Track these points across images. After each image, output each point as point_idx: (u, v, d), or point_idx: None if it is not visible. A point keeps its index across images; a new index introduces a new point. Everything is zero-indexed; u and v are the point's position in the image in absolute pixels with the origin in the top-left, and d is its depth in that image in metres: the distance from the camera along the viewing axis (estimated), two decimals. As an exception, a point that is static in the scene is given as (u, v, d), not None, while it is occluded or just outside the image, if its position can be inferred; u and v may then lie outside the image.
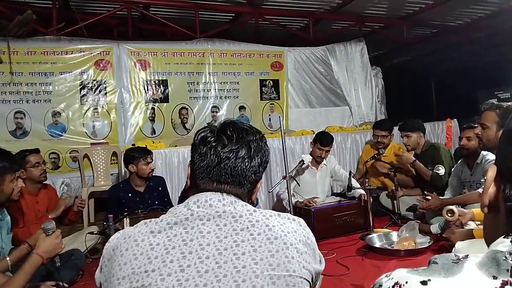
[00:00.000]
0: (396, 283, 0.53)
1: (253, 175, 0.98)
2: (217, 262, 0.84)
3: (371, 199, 3.60)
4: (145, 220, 0.93)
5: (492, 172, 0.57)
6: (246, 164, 0.96)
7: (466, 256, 0.53)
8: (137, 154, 3.44)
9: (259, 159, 0.99)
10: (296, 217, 0.98)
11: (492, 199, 0.57)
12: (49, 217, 3.03)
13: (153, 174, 3.57)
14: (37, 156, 3.15)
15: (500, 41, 7.48)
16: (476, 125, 3.34)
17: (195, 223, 0.89)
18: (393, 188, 3.90)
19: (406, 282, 0.52)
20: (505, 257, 0.50)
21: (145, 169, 3.41)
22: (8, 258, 2.13)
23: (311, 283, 0.93)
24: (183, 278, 0.82)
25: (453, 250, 2.59)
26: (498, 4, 6.19)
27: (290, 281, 0.85)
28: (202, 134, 0.99)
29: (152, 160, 3.54)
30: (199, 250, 0.85)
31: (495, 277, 0.49)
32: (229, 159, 0.95)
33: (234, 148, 0.96)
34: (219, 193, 0.94)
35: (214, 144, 0.96)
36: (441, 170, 3.83)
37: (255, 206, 0.99)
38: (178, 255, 0.84)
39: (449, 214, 2.79)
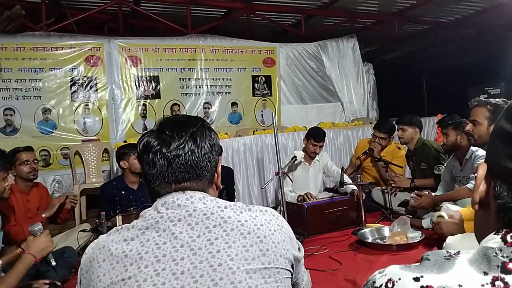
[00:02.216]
0: (390, 280, 0.54)
1: (208, 162, 0.96)
2: (193, 263, 0.83)
3: (363, 195, 3.63)
4: (117, 227, 0.91)
5: (482, 169, 0.58)
6: (197, 155, 0.94)
7: (458, 253, 0.54)
8: (127, 149, 3.38)
9: (208, 145, 0.96)
10: (268, 208, 0.97)
11: (483, 197, 0.57)
12: (43, 216, 2.99)
13: None
14: (29, 154, 3.10)
15: (490, 38, 7.54)
16: (451, 122, 3.47)
17: (166, 225, 0.87)
18: (386, 184, 3.93)
19: (399, 279, 0.53)
20: (496, 253, 0.51)
21: (136, 163, 3.32)
22: None
23: (291, 271, 0.93)
24: (159, 282, 0.81)
25: (444, 245, 2.63)
26: (489, 1, 6.25)
27: (266, 273, 0.85)
28: (144, 141, 0.95)
29: None
30: (173, 252, 0.84)
31: (485, 273, 0.50)
32: (178, 156, 0.92)
33: (179, 145, 0.92)
34: (182, 191, 0.92)
35: (158, 148, 0.92)
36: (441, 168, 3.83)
37: (233, 200, 0.97)
38: (152, 259, 0.83)
39: (440, 219, 2.86)
